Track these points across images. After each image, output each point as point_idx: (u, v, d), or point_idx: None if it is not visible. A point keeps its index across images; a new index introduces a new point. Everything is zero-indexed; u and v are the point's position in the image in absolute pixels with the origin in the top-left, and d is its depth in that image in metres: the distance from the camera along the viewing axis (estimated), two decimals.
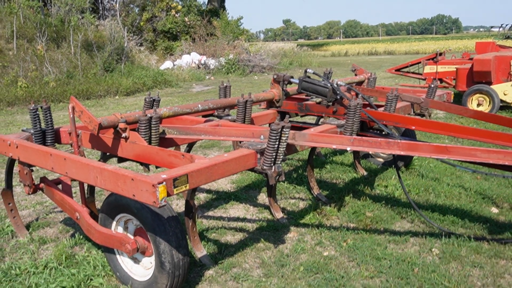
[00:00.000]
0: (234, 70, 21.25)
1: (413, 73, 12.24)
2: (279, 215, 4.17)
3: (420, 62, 11.82)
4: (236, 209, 4.51)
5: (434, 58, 11.27)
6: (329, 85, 3.97)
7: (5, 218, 4.34)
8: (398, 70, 12.50)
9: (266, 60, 22.65)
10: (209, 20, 25.51)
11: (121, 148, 3.24)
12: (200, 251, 3.37)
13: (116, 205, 2.92)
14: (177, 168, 2.62)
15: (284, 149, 2.95)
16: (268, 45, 29.15)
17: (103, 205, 3.01)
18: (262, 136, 3.17)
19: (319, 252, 3.53)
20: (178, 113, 3.61)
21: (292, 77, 4.28)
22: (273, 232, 3.91)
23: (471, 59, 10.08)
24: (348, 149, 3.24)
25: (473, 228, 3.83)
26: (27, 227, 4.13)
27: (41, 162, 3.19)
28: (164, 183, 2.38)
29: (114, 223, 3.01)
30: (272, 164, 2.92)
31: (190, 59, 22.19)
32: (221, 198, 4.81)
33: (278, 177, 2.96)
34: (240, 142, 3.19)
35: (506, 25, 17.76)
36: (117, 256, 3.09)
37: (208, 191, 5.07)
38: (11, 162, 3.74)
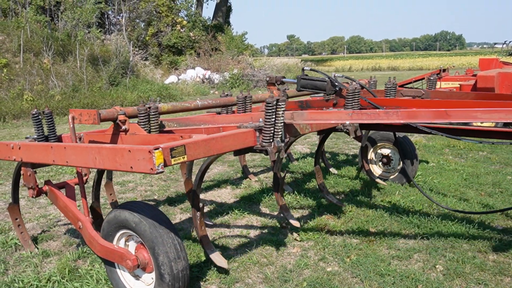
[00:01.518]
0: (239, 85, 21.39)
1: (416, 88, 12.28)
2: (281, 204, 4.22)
3: (423, 78, 11.81)
4: (239, 223, 4.51)
5: (438, 74, 11.30)
6: (327, 78, 4.00)
7: (8, 231, 4.36)
8: (401, 86, 12.52)
9: (270, 75, 22.77)
10: (214, 35, 25.79)
11: (122, 141, 3.26)
12: (211, 249, 3.39)
13: (116, 222, 2.92)
14: (175, 141, 2.66)
15: (282, 124, 2.94)
16: (272, 60, 29.43)
17: (104, 224, 3.01)
18: (261, 119, 3.15)
19: (322, 267, 3.52)
20: (177, 108, 3.64)
21: (284, 77, 4.36)
22: (276, 247, 3.91)
23: (475, 75, 10.10)
24: (347, 122, 3.20)
25: (477, 245, 3.81)
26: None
27: (43, 158, 3.17)
28: (160, 149, 2.38)
29: (116, 238, 3.01)
30: (271, 140, 2.92)
31: (194, 73, 22.38)
32: (224, 211, 4.81)
33: (278, 153, 2.93)
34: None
35: (510, 41, 17.82)
36: (118, 270, 3.08)
37: (211, 204, 5.07)
38: (17, 174, 3.74)
